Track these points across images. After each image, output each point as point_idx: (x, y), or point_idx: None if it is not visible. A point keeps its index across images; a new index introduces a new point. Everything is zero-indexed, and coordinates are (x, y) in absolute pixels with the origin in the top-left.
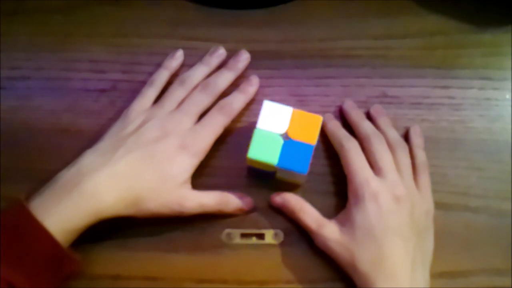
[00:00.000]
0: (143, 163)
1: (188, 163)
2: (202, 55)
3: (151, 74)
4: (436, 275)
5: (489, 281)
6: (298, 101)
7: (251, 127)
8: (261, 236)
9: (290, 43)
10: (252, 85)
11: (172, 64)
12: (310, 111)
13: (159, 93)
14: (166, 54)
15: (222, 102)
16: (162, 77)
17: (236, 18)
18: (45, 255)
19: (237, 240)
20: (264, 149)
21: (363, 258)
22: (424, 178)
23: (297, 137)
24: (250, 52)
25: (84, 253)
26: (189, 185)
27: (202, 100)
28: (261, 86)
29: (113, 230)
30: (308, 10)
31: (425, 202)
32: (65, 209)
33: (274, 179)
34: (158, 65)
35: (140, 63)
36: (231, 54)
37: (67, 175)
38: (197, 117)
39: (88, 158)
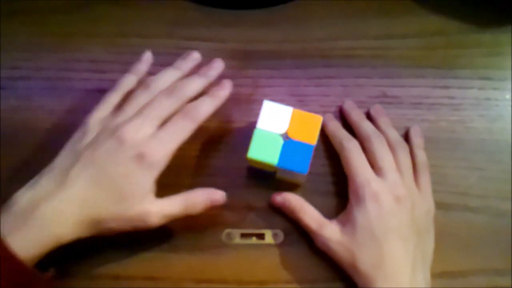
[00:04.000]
0: (99, 182)
1: (146, 177)
2: (202, 55)
3: (150, 74)
4: (436, 275)
5: (489, 281)
6: (298, 101)
7: (251, 127)
8: (261, 236)
9: (290, 43)
10: (224, 89)
11: (139, 68)
12: (310, 111)
13: (121, 99)
14: (166, 54)
15: (188, 106)
16: (127, 81)
17: (236, 18)
18: (11, 276)
19: (237, 240)
20: (264, 149)
21: (364, 259)
22: (425, 178)
23: (297, 137)
24: (250, 52)
25: (84, 253)
26: (151, 197)
27: (165, 105)
28: (261, 86)
29: None
30: (308, 10)
31: (425, 202)
32: (22, 239)
33: (274, 179)
34: (158, 65)
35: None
36: (232, 54)
37: (23, 201)
38: (159, 122)
39: (46, 179)
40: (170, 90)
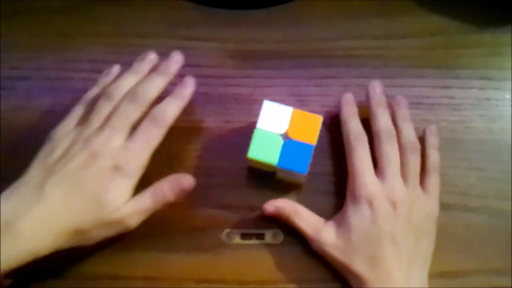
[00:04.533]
0: (76, 194)
1: (125, 186)
2: (203, 55)
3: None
4: (436, 275)
5: (489, 281)
6: (298, 101)
7: (251, 127)
8: (261, 236)
9: (290, 43)
10: (187, 87)
11: (105, 81)
12: (310, 111)
13: (86, 111)
14: (166, 54)
15: (155, 111)
16: (92, 95)
17: (236, 18)
18: None
19: (237, 240)
20: (264, 149)
21: (358, 260)
22: (433, 180)
23: (297, 137)
24: (250, 52)
25: (84, 253)
26: (128, 201)
27: (130, 112)
28: (261, 86)
29: None
30: (308, 10)
31: (428, 204)
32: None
33: (274, 179)
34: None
35: None
36: (232, 54)
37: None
38: (128, 130)
39: (20, 193)
40: (132, 96)
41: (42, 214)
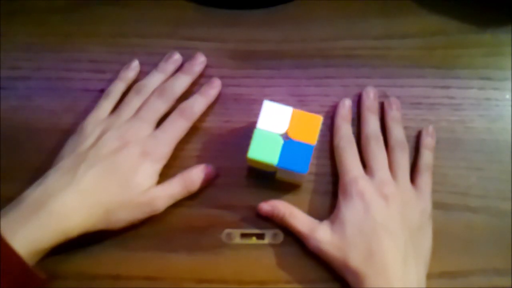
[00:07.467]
0: (107, 176)
1: (152, 170)
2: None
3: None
4: (436, 275)
5: (489, 281)
6: (298, 101)
7: (251, 127)
8: (261, 236)
9: (290, 43)
10: (213, 88)
11: (128, 75)
12: (310, 111)
13: (115, 104)
14: (166, 54)
15: (183, 105)
16: (117, 88)
17: (236, 18)
18: (11, 275)
19: (237, 240)
20: (264, 149)
21: (354, 255)
22: (425, 179)
23: (297, 137)
24: (250, 52)
25: (84, 253)
26: (155, 185)
27: (159, 106)
28: (261, 86)
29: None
30: (308, 10)
31: (421, 201)
32: (33, 230)
33: (274, 179)
34: (157, 65)
35: (140, 63)
36: (232, 54)
37: (33, 195)
38: (155, 123)
39: (53, 178)
40: (160, 92)
41: (74, 194)
